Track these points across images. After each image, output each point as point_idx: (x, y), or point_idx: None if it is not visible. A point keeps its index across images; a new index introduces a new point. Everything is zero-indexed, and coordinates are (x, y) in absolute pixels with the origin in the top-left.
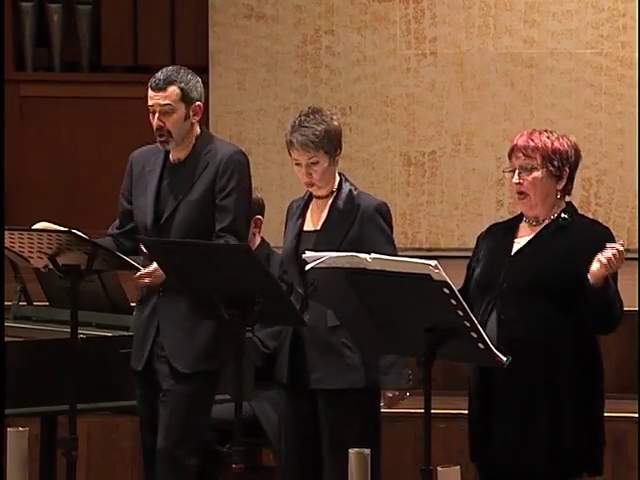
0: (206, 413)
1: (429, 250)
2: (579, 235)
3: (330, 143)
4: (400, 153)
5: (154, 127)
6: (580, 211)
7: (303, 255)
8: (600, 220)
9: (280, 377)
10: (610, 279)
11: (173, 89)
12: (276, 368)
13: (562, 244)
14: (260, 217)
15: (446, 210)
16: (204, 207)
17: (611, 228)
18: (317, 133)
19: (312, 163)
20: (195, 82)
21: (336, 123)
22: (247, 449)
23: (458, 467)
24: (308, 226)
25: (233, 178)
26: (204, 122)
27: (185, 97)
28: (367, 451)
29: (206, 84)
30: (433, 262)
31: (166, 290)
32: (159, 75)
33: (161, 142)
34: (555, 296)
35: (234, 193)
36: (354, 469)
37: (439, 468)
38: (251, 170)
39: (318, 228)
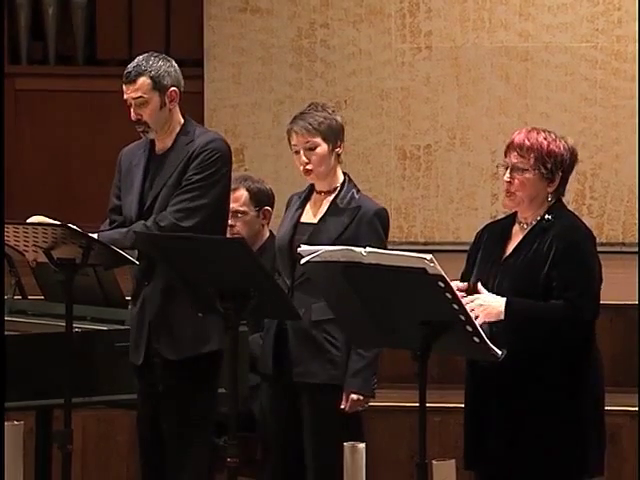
0: (210, 399)
1: (424, 244)
2: (555, 237)
3: (330, 132)
4: (395, 147)
5: (133, 119)
6: (575, 205)
7: (298, 249)
8: (595, 214)
9: (264, 369)
10: (511, 309)
11: (143, 80)
12: (260, 360)
13: (540, 248)
14: (268, 208)
15: (441, 204)
16: None
17: (606, 222)
18: (317, 119)
19: (310, 148)
20: (166, 67)
21: (339, 118)
22: (242, 443)
23: (453, 461)
24: (306, 218)
25: (205, 162)
26: (199, 116)
27: (157, 85)
28: (362, 445)
29: (201, 77)
30: (428, 256)
31: (151, 280)
32: (129, 67)
33: (141, 132)
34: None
35: (200, 175)
36: (349, 463)
37: (434, 462)
38: (245, 162)
39: (315, 221)
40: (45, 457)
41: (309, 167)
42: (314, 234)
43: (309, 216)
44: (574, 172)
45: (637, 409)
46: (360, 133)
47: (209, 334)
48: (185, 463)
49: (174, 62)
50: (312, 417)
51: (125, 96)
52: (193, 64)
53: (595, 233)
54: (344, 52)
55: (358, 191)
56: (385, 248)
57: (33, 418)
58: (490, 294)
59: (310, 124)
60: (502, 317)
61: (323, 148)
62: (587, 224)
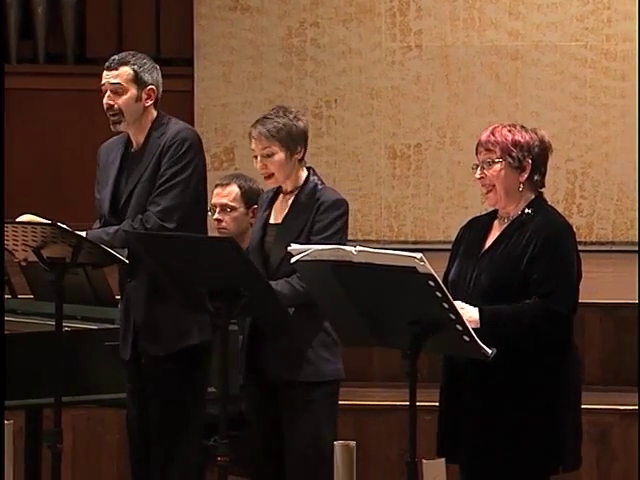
0: (196, 397)
1: (414, 243)
2: (535, 231)
3: (289, 138)
4: (385, 146)
5: (104, 107)
6: (564, 204)
7: (289, 248)
8: (584, 213)
9: (239, 367)
10: (489, 316)
11: (125, 69)
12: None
13: (519, 242)
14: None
15: (431, 203)
16: (153, 187)
17: (596, 221)
18: (275, 125)
19: (267, 155)
20: (150, 66)
21: (302, 124)
22: (233, 442)
23: (443, 459)
24: (273, 219)
25: (176, 154)
26: (189, 114)
27: (137, 79)
28: (352, 443)
29: (191, 76)
30: (418, 255)
31: (133, 277)
32: (114, 57)
33: (113, 122)
34: (517, 296)
35: (174, 169)
36: (339, 462)
37: (424, 460)
38: (236, 161)
39: (279, 221)
40: (35, 456)
41: (268, 172)
42: (279, 234)
43: (275, 216)
44: (564, 171)
45: (637, 408)
46: (350, 132)
47: (189, 328)
48: (171, 463)
49: (159, 68)
50: (289, 415)
51: (102, 81)
52: (183, 63)
53: (585, 232)
54: (334, 51)
55: (322, 183)
56: (341, 239)
57: (23, 417)
58: (465, 304)
59: (268, 131)
60: (478, 326)
61: (280, 155)
62: (577, 223)
